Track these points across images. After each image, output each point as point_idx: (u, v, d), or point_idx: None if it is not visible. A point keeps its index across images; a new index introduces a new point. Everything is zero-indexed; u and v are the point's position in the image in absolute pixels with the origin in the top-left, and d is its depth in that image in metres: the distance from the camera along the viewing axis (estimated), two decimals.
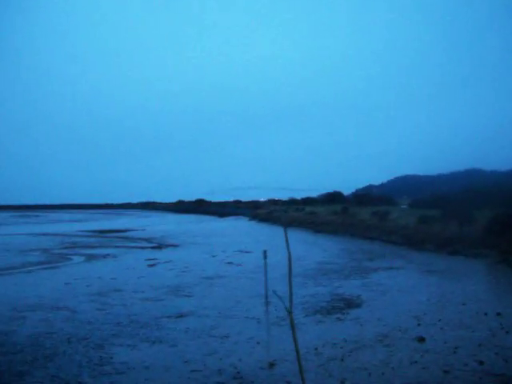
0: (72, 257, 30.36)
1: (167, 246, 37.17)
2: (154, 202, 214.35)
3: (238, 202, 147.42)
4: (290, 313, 4.52)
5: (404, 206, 64.42)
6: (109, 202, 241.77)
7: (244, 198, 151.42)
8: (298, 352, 4.58)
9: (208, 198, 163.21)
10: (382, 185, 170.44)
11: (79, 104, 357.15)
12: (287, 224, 55.26)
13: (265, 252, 16.18)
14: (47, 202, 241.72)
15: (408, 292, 16.61)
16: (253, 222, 73.37)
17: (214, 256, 29.04)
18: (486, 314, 12.91)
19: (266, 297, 15.53)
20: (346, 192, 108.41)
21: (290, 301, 4.50)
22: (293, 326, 4.21)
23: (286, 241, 4.54)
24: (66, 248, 36.61)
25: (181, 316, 13.81)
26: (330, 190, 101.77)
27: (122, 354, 10.34)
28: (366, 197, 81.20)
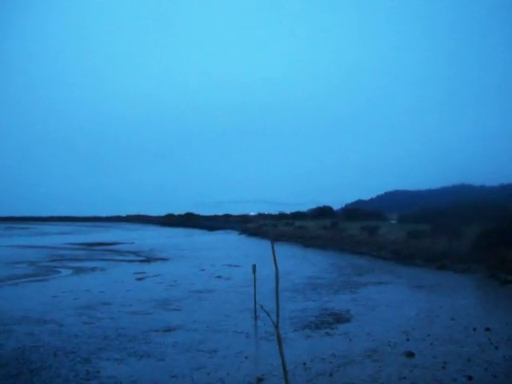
0: (60, 269, 30.18)
1: (156, 259, 37.04)
2: (142, 215, 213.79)
3: (227, 216, 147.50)
4: (276, 327, 4.50)
5: (393, 221, 64.49)
6: (97, 214, 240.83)
7: (234, 212, 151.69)
8: (284, 365, 4.56)
9: (196, 211, 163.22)
10: (372, 200, 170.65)
11: (67, 114, 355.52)
12: (276, 238, 55.18)
13: (254, 266, 16.13)
14: (35, 214, 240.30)
15: (397, 307, 16.61)
16: (242, 236, 73.27)
17: (202, 270, 28.94)
18: (474, 329, 12.92)
19: (255, 311, 15.45)
20: (336, 207, 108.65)
21: (277, 315, 4.49)
22: (279, 341, 4.20)
23: (274, 255, 4.54)
24: (53, 261, 36.38)
25: (169, 330, 13.72)
26: (320, 204, 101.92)
27: (110, 368, 10.24)
28: (355, 212, 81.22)
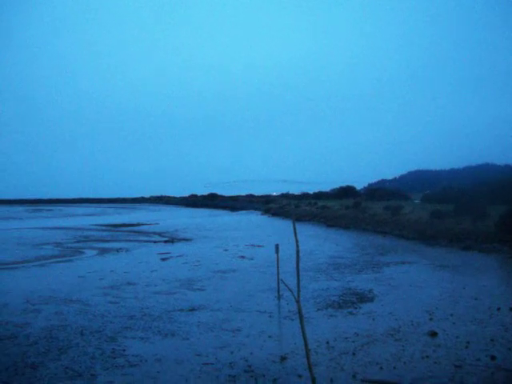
0: (85, 250, 30.55)
1: (180, 239, 37.28)
2: (166, 196, 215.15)
3: (250, 196, 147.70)
4: (297, 301, 4.55)
5: (417, 201, 64.07)
6: (122, 196, 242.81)
7: (256, 193, 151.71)
8: (305, 338, 4.61)
9: (220, 192, 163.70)
10: (395, 179, 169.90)
11: (93, 98, 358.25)
12: (299, 218, 55.21)
13: (277, 246, 16.17)
14: (61, 196, 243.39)
15: (420, 287, 16.56)
16: (265, 217, 73.42)
17: (226, 250, 29.09)
18: (498, 308, 12.86)
19: (278, 291, 15.54)
20: (359, 186, 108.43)
21: (298, 290, 4.53)
22: (300, 315, 4.24)
23: (295, 232, 4.57)
24: (79, 242, 36.84)
25: (193, 309, 13.86)
26: (343, 184, 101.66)
27: (135, 347, 10.41)
28: (378, 191, 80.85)
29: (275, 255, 16.32)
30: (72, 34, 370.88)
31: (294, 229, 4.52)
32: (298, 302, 4.38)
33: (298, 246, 4.48)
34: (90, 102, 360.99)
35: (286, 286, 4.90)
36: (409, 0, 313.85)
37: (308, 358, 4.48)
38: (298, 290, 4.52)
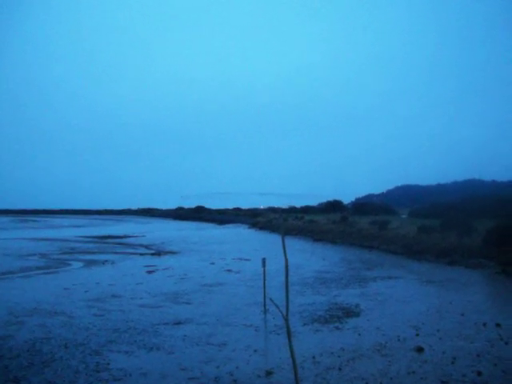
0: (71, 262, 30.34)
1: (166, 252, 37.14)
2: (154, 209, 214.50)
3: (237, 210, 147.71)
4: (285, 319, 4.52)
5: (404, 216, 64.34)
6: (108, 207, 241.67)
7: (243, 206, 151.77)
8: (293, 356, 4.57)
9: (207, 205, 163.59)
10: (382, 194, 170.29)
11: (77, 108, 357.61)
12: (286, 232, 55.19)
13: (263, 260, 16.14)
14: (46, 207, 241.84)
15: (407, 302, 16.57)
16: (252, 230, 73.32)
17: (212, 263, 29.00)
18: (484, 324, 12.88)
19: (265, 305, 15.48)
20: (346, 201, 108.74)
21: (287, 307, 4.49)
22: (289, 332, 4.21)
23: (284, 248, 4.54)
24: (64, 253, 36.58)
25: (179, 323, 13.78)
26: (330, 198, 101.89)
27: (119, 361, 10.31)
28: (365, 206, 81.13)
29: (262, 269, 16.28)
30: (70, 43, 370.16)
31: (283, 244, 4.49)
32: (286, 319, 4.34)
33: (287, 262, 4.45)
34: (77, 112, 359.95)
35: (274, 303, 4.85)
36: (409, 8, 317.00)
37: (296, 374, 4.44)
38: (287, 308, 4.48)
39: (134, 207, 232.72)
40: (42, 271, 26.12)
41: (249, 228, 79.31)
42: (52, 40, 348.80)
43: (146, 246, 43.09)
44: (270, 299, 5.33)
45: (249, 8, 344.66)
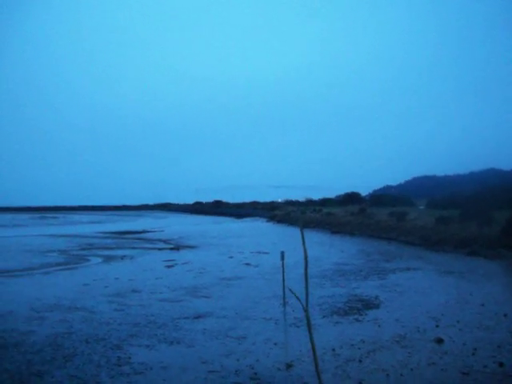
0: (90, 258, 30.55)
1: (185, 247, 37.28)
2: (171, 204, 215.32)
3: (255, 203, 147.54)
4: (306, 311, 4.52)
5: (422, 207, 63.93)
6: (126, 203, 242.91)
7: (261, 199, 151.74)
8: (313, 347, 4.57)
9: (225, 199, 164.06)
10: (400, 185, 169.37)
11: (96, 104, 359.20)
12: (304, 225, 55.11)
13: (282, 253, 16.15)
14: (66, 203, 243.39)
15: (426, 293, 16.50)
16: (270, 224, 73.39)
17: (231, 257, 29.07)
18: (505, 315, 12.79)
19: (284, 298, 15.49)
20: (364, 192, 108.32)
21: (306, 299, 4.50)
22: (309, 324, 4.21)
23: (303, 240, 4.54)
24: (83, 249, 36.84)
25: (198, 317, 13.83)
26: (348, 190, 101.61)
27: (140, 355, 10.39)
28: (383, 197, 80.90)
29: (280, 262, 16.29)
30: (70, 42, 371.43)
31: (302, 236, 4.50)
32: (306, 310, 4.35)
33: (306, 253, 4.45)
34: (92, 109, 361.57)
35: (294, 294, 4.86)
36: (408, 7, 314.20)
37: (317, 367, 4.45)
38: (307, 299, 4.49)
39: (150, 203, 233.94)
40: (61, 267, 26.32)
41: (267, 221, 79.40)
42: (52, 40, 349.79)
43: (165, 241, 43.28)
44: (290, 290, 5.34)
45: (249, 8, 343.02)
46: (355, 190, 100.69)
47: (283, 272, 16.04)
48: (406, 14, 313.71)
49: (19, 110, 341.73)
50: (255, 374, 8.96)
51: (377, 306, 14.67)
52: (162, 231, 58.42)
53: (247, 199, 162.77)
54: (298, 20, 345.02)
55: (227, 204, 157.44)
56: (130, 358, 10.19)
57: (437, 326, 11.97)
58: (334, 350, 10.25)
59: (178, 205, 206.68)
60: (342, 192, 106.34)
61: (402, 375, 8.59)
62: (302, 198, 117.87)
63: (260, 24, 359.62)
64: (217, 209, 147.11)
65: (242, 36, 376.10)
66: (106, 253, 33.53)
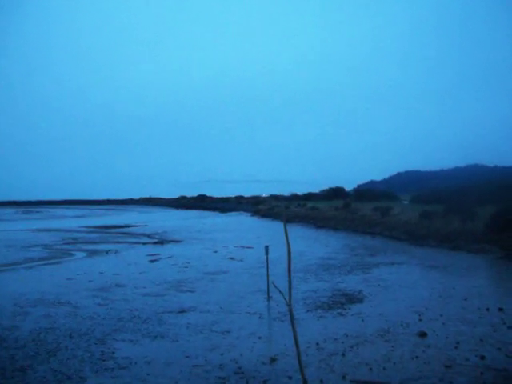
0: (74, 252, 30.42)
1: (169, 241, 37.23)
2: (155, 198, 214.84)
3: (240, 198, 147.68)
4: (289, 305, 4.54)
5: (406, 202, 64.23)
6: (111, 197, 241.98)
7: (246, 194, 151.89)
8: (296, 341, 4.59)
9: (209, 193, 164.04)
10: (384, 180, 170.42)
11: (80, 99, 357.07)
12: (289, 220, 55.22)
13: (266, 247, 16.16)
14: (50, 197, 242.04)
15: (410, 287, 16.60)
16: (255, 218, 73.43)
17: (215, 251, 29.06)
18: (487, 309, 12.90)
19: (268, 292, 15.52)
20: (348, 187, 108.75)
21: (290, 294, 4.51)
22: (292, 318, 4.22)
23: (286, 234, 4.56)
24: (67, 244, 36.68)
25: (182, 311, 13.83)
26: (332, 185, 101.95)
27: (124, 349, 10.36)
28: (367, 192, 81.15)
29: (265, 257, 16.31)
30: (67, 40, 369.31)
31: (286, 231, 4.51)
32: (289, 305, 4.36)
33: (289, 248, 4.46)
34: (78, 104, 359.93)
35: (278, 289, 4.88)
36: (408, 4, 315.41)
37: (300, 361, 4.47)
38: (290, 294, 4.50)
39: (136, 197, 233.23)
40: (45, 262, 26.19)
41: (251, 216, 79.43)
42: (51, 38, 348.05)
43: (149, 236, 43.20)
44: (273, 284, 5.37)
45: (242, 3, 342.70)
46: (340, 185, 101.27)
47: (267, 266, 16.06)
48: (403, 12, 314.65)
49: (5, 105, 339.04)
50: (239, 368, 8.96)
51: (360, 301, 14.74)
52: (146, 226, 58.28)
53: (232, 193, 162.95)
54: (291, 18, 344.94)
55: (212, 198, 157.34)
56: (113, 352, 10.16)
57: (420, 320, 12.05)
58: (317, 344, 10.29)
59: (163, 199, 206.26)
60: (326, 187, 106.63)
61: (385, 369, 8.64)
62: (286, 193, 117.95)
63: (259, 19, 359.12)
64: (201, 203, 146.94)
65: (219, 34, 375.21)
66: (90, 247, 33.40)
